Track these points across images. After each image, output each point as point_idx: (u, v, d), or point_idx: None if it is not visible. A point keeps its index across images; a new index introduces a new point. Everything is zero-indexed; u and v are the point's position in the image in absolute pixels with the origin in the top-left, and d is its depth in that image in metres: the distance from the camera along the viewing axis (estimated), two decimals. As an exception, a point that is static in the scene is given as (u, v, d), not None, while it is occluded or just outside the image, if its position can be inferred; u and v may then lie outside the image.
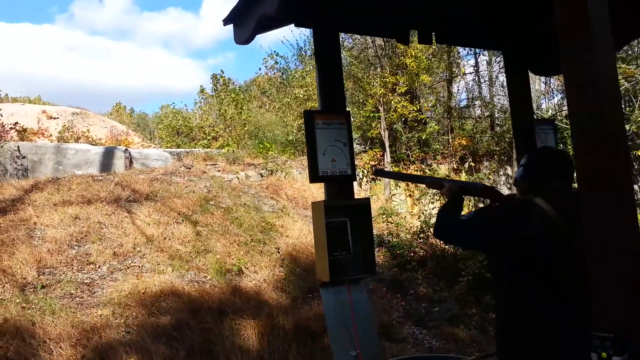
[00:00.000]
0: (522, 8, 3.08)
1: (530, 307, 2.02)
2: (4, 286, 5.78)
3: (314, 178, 2.44)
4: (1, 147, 9.25)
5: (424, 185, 2.81)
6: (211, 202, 8.64)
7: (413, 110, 12.06)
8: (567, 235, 1.95)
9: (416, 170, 12.59)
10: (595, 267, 1.36)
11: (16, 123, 13.43)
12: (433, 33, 3.06)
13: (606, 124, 1.37)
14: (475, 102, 16.41)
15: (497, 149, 13.65)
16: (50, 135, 15.22)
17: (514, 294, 2.09)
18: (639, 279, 1.28)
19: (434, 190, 11.19)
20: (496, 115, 15.04)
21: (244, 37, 2.49)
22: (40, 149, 9.90)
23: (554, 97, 16.08)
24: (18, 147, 9.51)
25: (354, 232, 2.41)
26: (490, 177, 14.34)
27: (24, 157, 9.44)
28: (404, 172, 12.58)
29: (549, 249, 1.98)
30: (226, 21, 2.62)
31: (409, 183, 12.56)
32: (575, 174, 2.22)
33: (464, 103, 16.98)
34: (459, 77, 16.45)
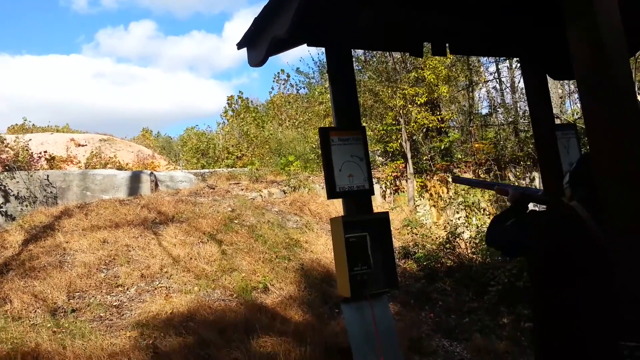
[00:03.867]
0: (538, 13, 3.06)
1: (568, 318, 1.97)
2: (35, 311, 5.91)
3: (331, 194, 2.46)
4: (31, 176, 9.51)
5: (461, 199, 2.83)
6: (235, 221, 8.71)
7: (434, 120, 12.00)
8: (604, 247, 1.89)
9: (439, 180, 12.50)
10: (625, 278, 1.33)
11: (45, 152, 13.82)
12: (447, 44, 3.06)
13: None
14: (498, 109, 16.26)
15: (521, 154, 13.47)
16: (79, 162, 15.61)
17: (550, 305, 2.05)
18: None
19: (459, 201, 11.10)
20: (520, 121, 14.86)
21: (257, 59, 2.53)
22: (68, 176, 10.15)
23: (578, 101, 15.85)
24: (47, 175, 9.77)
25: (373, 247, 2.40)
26: (516, 183, 14.12)
27: (53, 186, 9.69)
28: (429, 181, 12.52)
29: (584, 261, 1.94)
30: (240, 45, 2.67)
31: (433, 194, 12.50)
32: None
33: (486, 111, 16.87)
34: (480, 85, 16.35)
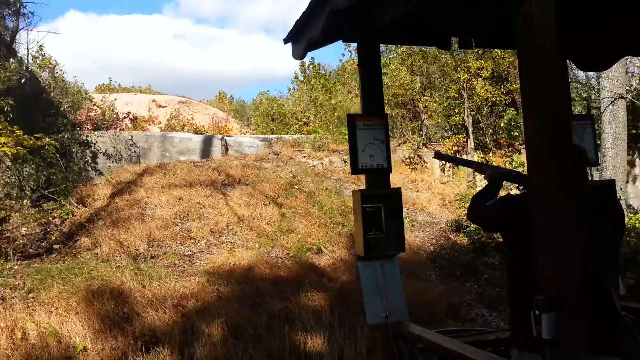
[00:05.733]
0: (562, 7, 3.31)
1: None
2: (120, 255, 6.90)
3: (354, 170, 2.95)
4: (117, 136, 10.63)
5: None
6: (295, 187, 9.37)
7: (498, 94, 11.94)
8: None
9: (500, 157, 12.49)
10: (535, 246, 1.76)
11: (129, 112, 15.13)
12: (473, 40, 3.39)
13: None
14: (572, 84, 15.68)
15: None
16: (160, 123, 16.88)
17: (522, 275, 2.43)
18: (566, 256, 1.66)
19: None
20: (592, 97, 14.32)
21: (298, 54, 3.03)
22: (149, 138, 11.22)
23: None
24: (132, 136, 10.88)
25: (387, 216, 2.88)
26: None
27: (136, 146, 10.79)
28: (487, 159, 12.55)
29: None
30: (286, 40, 3.17)
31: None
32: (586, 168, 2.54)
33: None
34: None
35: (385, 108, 14.79)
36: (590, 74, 14.43)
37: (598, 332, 2.28)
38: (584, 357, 1.70)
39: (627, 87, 9.49)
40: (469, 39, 3.39)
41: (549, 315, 1.66)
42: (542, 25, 1.74)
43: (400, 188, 3.04)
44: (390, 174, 3.10)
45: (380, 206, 2.87)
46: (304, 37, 2.87)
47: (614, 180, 3.57)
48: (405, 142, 12.85)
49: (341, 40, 3.13)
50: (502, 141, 12.89)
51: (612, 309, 2.30)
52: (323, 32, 2.61)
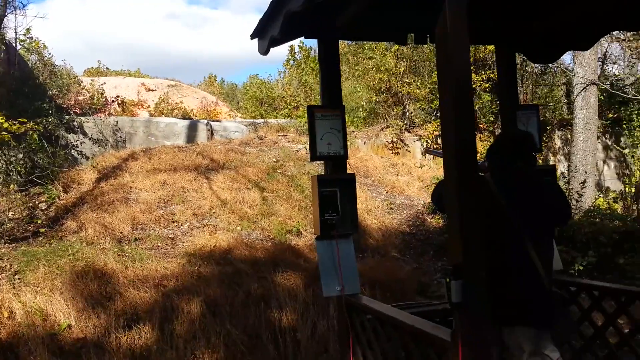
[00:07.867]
0: (511, 10, 3.56)
1: None
2: (105, 238, 7.14)
3: (313, 157, 3.21)
4: (103, 121, 10.77)
5: None
6: (278, 171, 9.63)
7: (477, 80, 12.20)
8: (504, 208, 2.55)
9: (480, 140, 12.78)
10: (448, 222, 2.04)
11: (117, 96, 15.19)
12: (427, 35, 3.63)
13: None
14: (553, 70, 15.95)
15: (570, 118, 13.41)
16: (149, 107, 16.91)
17: None
18: (470, 232, 1.95)
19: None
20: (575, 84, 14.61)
21: (263, 49, 3.25)
22: (135, 123, 11.37)
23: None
24: (117, 121, 11.02)
25: (342, 199, 3.15)
26: (565, 148, 14.13)
27: (122, 131, 10.94)
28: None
29: (487, 217, 2.60)
30: (252, 36, 3.39)
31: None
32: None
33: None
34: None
35: (371, 94, 15.05)
36: (568, 60, 14.73)
37: (525, 305, 2.60)
38: (485, 318, 1.99)
39: (596, 73, 9.81)
40: (424, 35, 3.63)
41: (457, 283, 1.94)
42: (455, 42, 2.00)
43: (354, 174, 3.30)
44: (347, 161, 3.35)
45: (336, 190, 3.13)
46: (266, 35, 3.09)
47: (554, 165, 3.87)
48: (388, 126, 13.10)
49: (304, 37, 3.36)
50: (482, 125, 13.18)
51: (538, 283, 2.61)
52: (282, 31, 2.84)
